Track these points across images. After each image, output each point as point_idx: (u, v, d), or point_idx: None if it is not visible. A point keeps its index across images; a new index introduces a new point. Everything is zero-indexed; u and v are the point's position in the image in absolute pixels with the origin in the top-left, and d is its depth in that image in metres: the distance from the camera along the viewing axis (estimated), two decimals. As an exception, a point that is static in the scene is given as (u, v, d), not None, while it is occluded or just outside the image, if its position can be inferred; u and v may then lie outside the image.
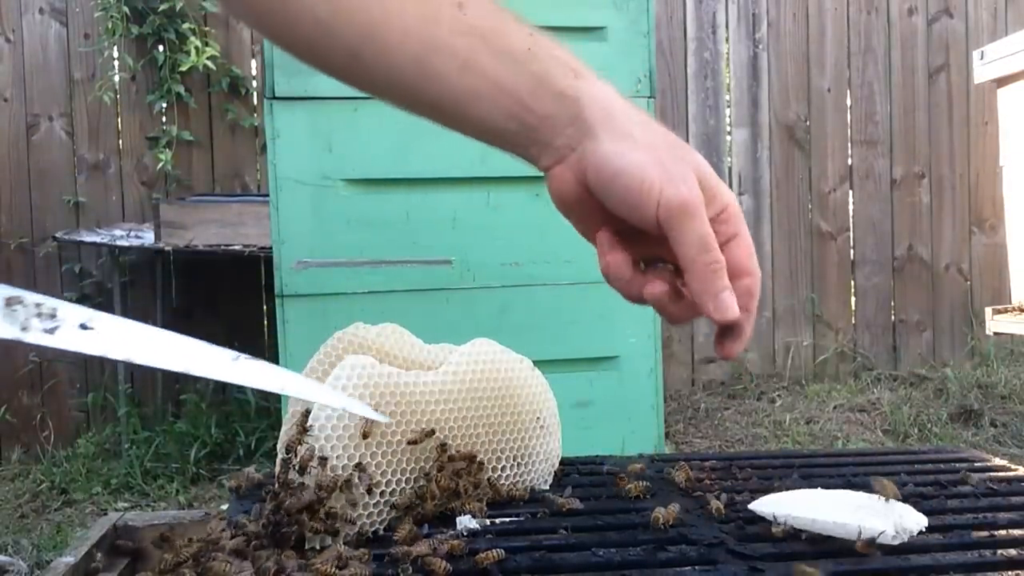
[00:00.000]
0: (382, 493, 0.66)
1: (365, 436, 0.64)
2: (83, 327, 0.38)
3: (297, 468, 0.63)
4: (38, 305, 0.36)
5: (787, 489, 0.77)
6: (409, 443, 0.67)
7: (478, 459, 0.71)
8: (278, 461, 0.66)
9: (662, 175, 0.58)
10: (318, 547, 0.61)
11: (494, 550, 0.58)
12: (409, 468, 0.68)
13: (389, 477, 0.66)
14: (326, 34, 0.62)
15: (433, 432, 0.68)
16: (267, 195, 1.94)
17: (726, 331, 0.61)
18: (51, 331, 0.37)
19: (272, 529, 0.62)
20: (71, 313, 0.38)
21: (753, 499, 0.74)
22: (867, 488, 0.77)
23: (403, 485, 0.67)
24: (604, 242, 0.62)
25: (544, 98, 0.61)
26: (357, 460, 0.64)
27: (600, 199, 0.61)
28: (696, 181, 0.59)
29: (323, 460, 0.63)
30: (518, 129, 0.63)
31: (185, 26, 3.18)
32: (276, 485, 0.64)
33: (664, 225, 0.58)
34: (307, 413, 0.66)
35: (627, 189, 0.58)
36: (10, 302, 0.35)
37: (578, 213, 0.64)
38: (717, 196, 0.61)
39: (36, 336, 0.37)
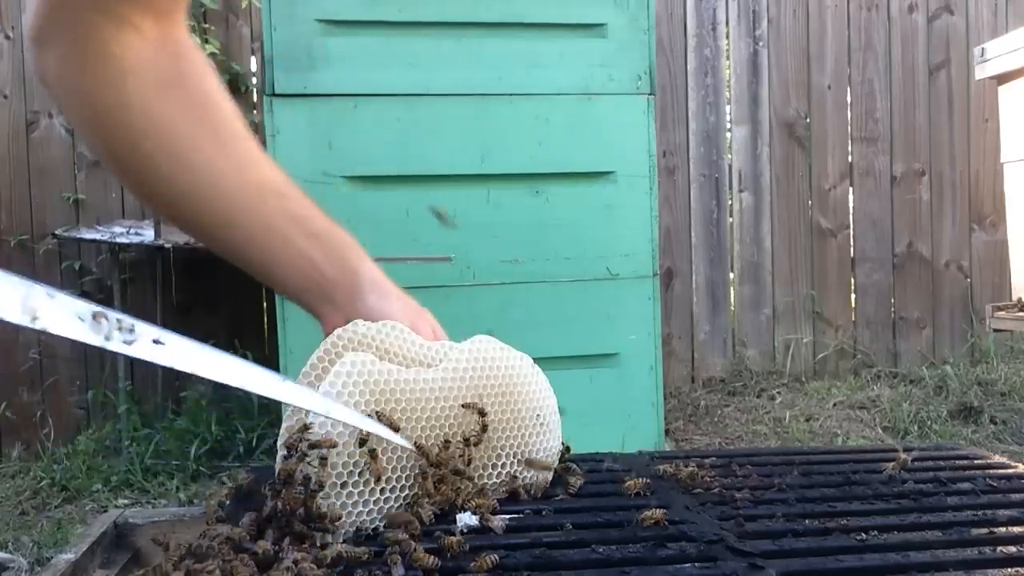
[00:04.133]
0: (382, 491, 0.66)
1: (362, 444, 0.64)
2: (156, 342, 0.44)
3: (297, 466, 0.63)
4: (119, 320, 0.43)
5: (787, 487, 0.77)
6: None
7: (467, 471, 0.70)
8: (278, 459, 0.66)
9: (413, 317, 0.80)
10: (318, 544, 0.61)
11: (489, 555, 0.57)
12: (410, 466, 0.68)
13: (390, 474, 0.66)
14: (183, 199, 0.79)
15: (421, 448, 0.68)
16: (267, 192, 1.93)
17: None
18: (129, 343, 0.43)
19: (272, 525, 0.62)
20: (146, 330, 0.44)
21: (753, 496, 0.74)
22: (868, 485, 0.77)
23: (403, 482, 0.67)
24: None
25: (330, 266, 0.80)
26: (356, 458, 0.65)
27: None
28: (428, 322, 0.82)
29: (323, 460, 0.63)
30: (313, 288, 0.81)
31: (185, 23, 3.18)
32: (277, 482, 0.64)
33: None
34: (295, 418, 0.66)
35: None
36: (96, 316, 0.42)
37: None
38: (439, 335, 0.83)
39: (117, 346, 0.44)
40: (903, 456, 0.81)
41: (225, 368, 0.49)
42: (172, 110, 0.75)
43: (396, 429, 0.66)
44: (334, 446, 0.63)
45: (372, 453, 0.64)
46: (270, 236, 0.79)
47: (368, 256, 0.83)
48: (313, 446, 0.63)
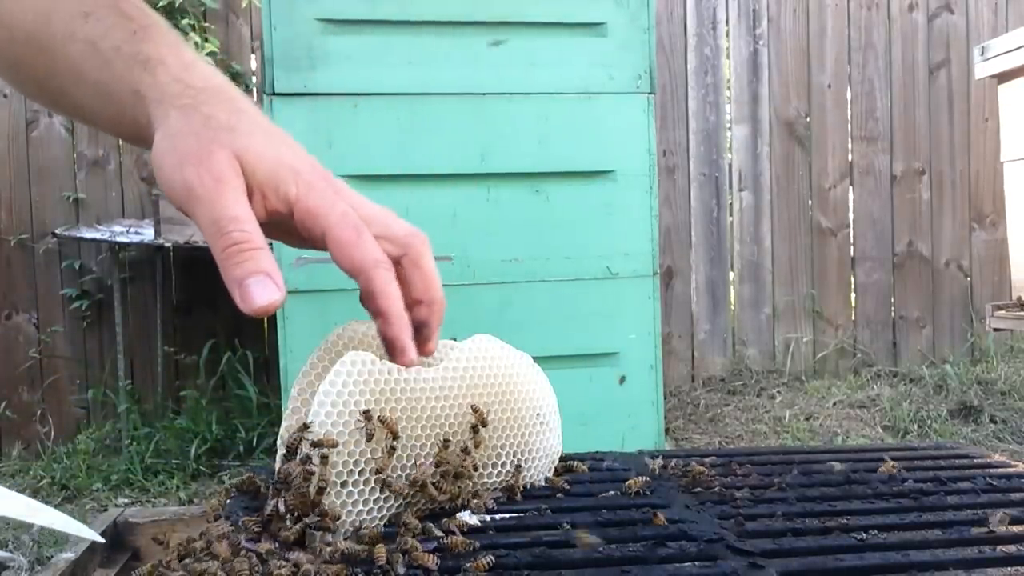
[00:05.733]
0: (383, 489, 0.66)
1: (369, 438, 0.64)
2: None
3: (298, 468, 0.63)
4: None
5: (787, 486, 0.77)
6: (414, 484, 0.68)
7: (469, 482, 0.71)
8: (278, 458, 0.66)
9: (174, 168, 0.54)
10: (319, 542, 0.61)
11: (484, 557, 0.57)
12: (409, 464, 0.68)
13: (390, 473, 0.66)
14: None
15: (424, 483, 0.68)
16: (267, 191, 1.93)
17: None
18: None
19: (271, 525, 0.62)
20: None
21: (753, 495, 0.74)
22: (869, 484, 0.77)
23: (403, 481, 0.68)
24: None
25: (127, 99, 0.58)
26: (356, 457, 0.65)
27: None
28: (221, 163, 0.54)
29: (324, 458, 0.63)
30: (128, 132, 0.60)
31: (184, 22, 3.18)
32: (277, 480, 0.64)
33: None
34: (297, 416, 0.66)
35: (162, 188, 0.56)
36: None
37: None
38: (277, 191, 0.56)
39: None
40: (891, 464, 0.81)
41: None
42: None
43: (396, 435, 0.66)
44: (335, 446, 0.63)
45: (392, 450, 0.65)
46: (62, 73, 0.60)
47: (173, 50, 0.58)
48: (314, 445, 0.63)
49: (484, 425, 0.71)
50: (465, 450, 0.70)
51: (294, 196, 0.57)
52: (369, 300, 0.58)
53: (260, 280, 0.53)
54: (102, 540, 0.61)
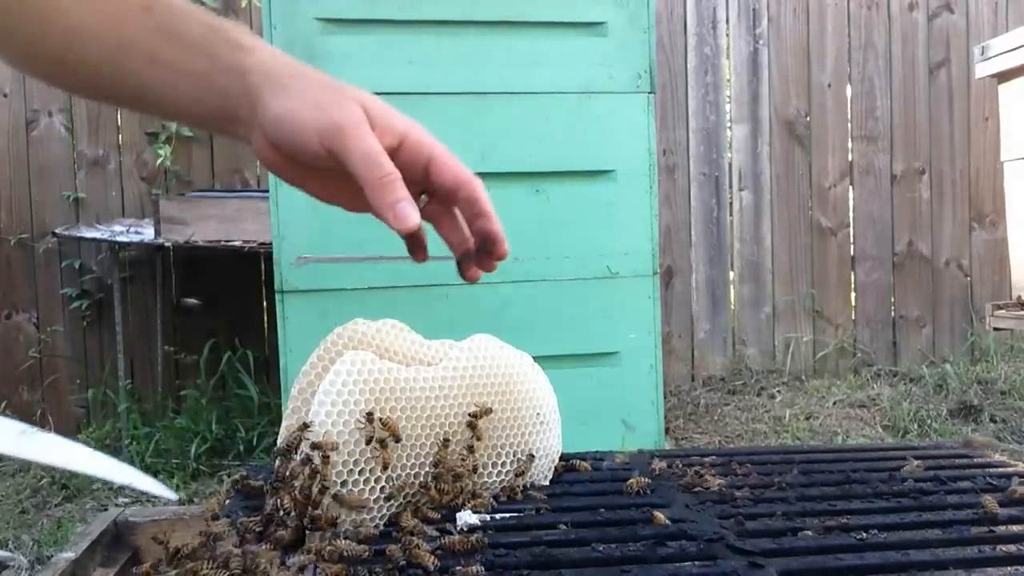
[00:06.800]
0: (382, 489, 0.66)
1: (368, 441, 0.64)
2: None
3: (299, 466, 0.63)
4: None
5: (787, 485, 0.77)
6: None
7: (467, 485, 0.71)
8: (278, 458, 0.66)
9: (313, 110, 0.63)
10: (317, 541, 0.61)
11: (474, 566, 0.57)
12: (409, 464, 0.68)
13: (389, 472, 0.66)
14: (38, 42, 0.67)
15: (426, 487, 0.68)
16: (267, 191, 1.94)
17: (474, 252, 0.70)
18: None
19: (269, 526, 0.62)
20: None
21: (753, 495, 0.74)
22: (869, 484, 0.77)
23: (403, 479, 0.68)
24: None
25: (217, 76, 0.65)
26: (357, 457, 0.65)
27: (286, 153, 0.65)
28: (356, 108, 0.64)
29: (325, 458, 0.63)
30: (208, 110, 0.67)
31: (184, 21, 3.18)
32: (277, 479, 0.64)
33: (332, 154, 0.63)
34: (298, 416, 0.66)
35: (290, 134, 0.63)
36: None
37: (287, 171, 0.68)
38: (391, 128, 0.66)
39: None
40: (916, 463, 0.81)
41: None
42: None
43: (398, 439, 0.66)
44: (335, 448, 0.63)
45: (383, 443, 0.65)
46: (132, 58, 0.66)
47: (261, 41, 0.68)
48: (314, 447, 0.63)
49: (487, 413, 0.71)
50: (470, 448, 0.70)
51: (403, 130, 0.67)
52: (471, 204, 0.69)
53: (408, 204, 0.63)
54: (174, 496, 0.63)
